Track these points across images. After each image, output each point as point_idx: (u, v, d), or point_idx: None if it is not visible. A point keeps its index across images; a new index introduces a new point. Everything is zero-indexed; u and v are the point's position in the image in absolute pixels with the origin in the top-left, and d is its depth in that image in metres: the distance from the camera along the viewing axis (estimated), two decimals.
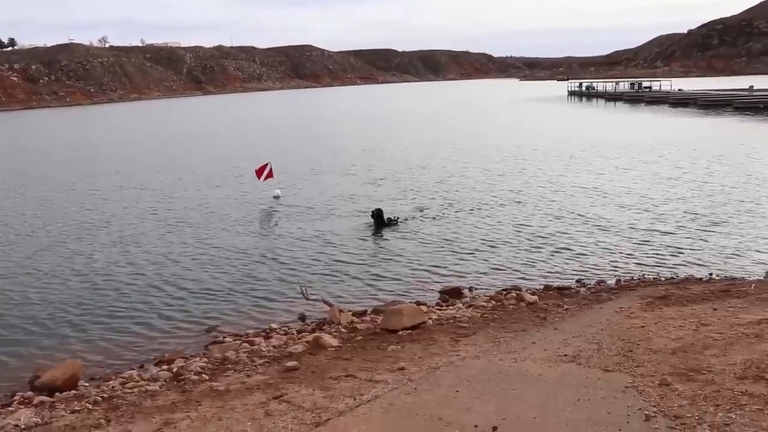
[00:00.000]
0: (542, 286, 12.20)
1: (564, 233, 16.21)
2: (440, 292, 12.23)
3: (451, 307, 10.81)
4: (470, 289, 12.34)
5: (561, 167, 27.51)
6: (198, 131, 61.24)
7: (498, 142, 38.99)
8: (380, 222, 17.56)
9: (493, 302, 10.87)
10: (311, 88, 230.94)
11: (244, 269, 14.47)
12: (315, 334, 9.24)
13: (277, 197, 22.89)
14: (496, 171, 27.18)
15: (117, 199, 24.45)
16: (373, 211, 17.80)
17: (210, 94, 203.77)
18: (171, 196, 24.62)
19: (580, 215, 18.12)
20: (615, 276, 12.65)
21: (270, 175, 23.24)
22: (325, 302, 11.47)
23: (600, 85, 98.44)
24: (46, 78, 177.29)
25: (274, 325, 10.77)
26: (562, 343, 7.71)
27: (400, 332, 8.91)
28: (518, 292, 11.48)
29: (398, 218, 18.23)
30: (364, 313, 11.14)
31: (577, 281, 12.51)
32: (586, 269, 13.28)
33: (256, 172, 23.55)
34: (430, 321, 9.56)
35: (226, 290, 13.04)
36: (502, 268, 13.72)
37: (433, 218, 18.58)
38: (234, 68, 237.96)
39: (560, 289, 11.82)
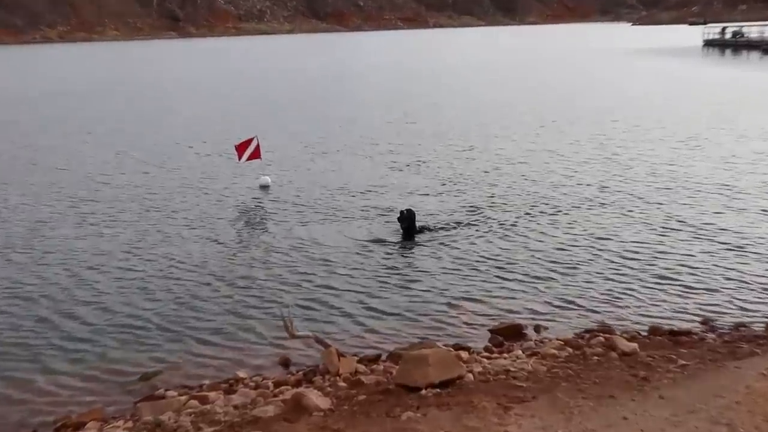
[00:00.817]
0: (646, 329, 11.75)
1: (676, 252, 15.61)
2: (491, 331, 11.98)
3: (505, 355, 10.59)
4: (536, 329, 12.09)
5: (674, 154, 26.79)
6: (163, 89, 61.85)
7: (585, 115, 38.43)
8: (410, 228, 17.30)
9: (569, 350, 10.53)
10: (333, 32, 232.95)
11: (208, 290, 14.24)
12: (296, 390, 8.93)
13: (265, 187, 22.91)
14: (576, 158, 26.60)
15: (23, 188, 24.11)
16: (401, 212, 17.56)
17: (190, 37, 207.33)
18: (108, 183, 24.59)
19: (701, 226, 17.44)
20: (762, 318, 12.01)
21: (256, 154, 23.15)
22: (319, 341, 11.16)
23: (755, 30, 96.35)
24: None
25: (241, 374, 10.58)
26: (669, 422, 7.26)
27: (424, 391, 8.60)
28: (608, 335, 11.10)
29: (431, 225, 18.03)
30: (376, 358, 11.01)
31: (702, 322, 12.03)
32: (714, 307, 12.66)
33: (237, 149, 23.38)
34: (471, 375, 9.22)
35: (178, 320, 12.80)
36: (583, 299, 13.23)
37: (482, 225, 18.19)
38: (225, 1, 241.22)
39: (674, 333, 11.40)
